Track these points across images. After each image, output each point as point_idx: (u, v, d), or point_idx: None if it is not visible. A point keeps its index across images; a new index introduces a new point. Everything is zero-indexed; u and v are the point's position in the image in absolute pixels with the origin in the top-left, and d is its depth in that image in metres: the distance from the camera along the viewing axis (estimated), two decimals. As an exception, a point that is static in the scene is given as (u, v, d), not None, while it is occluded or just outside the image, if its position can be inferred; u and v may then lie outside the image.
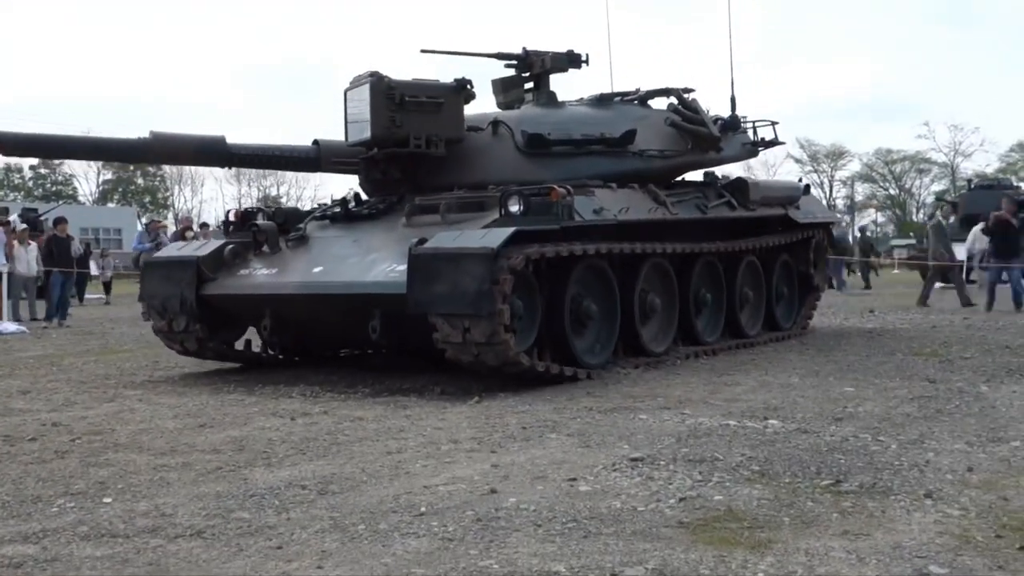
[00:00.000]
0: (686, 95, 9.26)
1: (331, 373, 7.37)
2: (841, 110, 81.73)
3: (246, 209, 8.05)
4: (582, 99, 9.02)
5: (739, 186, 9.46)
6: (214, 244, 7.78)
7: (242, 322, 7.86)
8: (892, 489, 3.56)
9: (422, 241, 6.25)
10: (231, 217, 8.09)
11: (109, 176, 62.80)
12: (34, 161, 61.30)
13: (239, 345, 8.11)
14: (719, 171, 9.77)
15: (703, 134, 9.11)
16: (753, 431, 4.74)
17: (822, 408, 5.40)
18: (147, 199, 62.60)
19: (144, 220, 33.49)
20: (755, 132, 10.45)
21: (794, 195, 10.42)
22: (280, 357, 8.23)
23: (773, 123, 10.59)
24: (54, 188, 61.66)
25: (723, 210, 8.94)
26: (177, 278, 7.45)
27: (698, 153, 9.26)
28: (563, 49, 8.70)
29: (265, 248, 7.55)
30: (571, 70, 8.77)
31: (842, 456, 4.13)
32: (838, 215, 12.05)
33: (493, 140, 7.93)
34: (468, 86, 7.72)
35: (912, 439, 4.48)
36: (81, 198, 59.07)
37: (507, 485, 3.71)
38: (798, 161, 62.70)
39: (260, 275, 7.33)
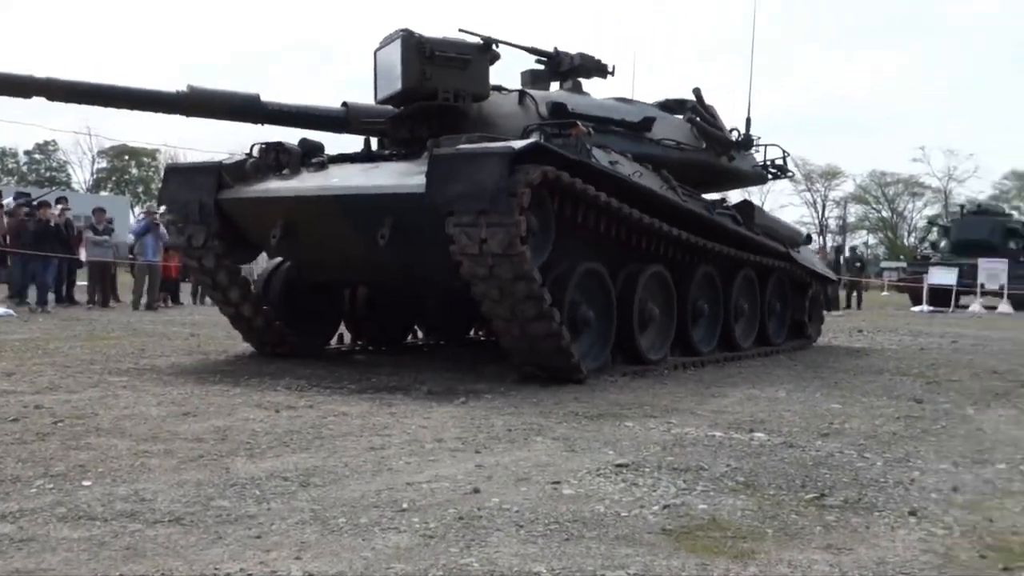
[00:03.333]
0: (706, 100, 9.66)
1: (318, 368, 7.34)
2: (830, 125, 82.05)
3: (274, 142, 7.95)
4: (605, 99, 9.25)
5: (745, 208, 9.61)
6: (239, 157, 7.86)
7: (254, 236, 7.73)
8: (877, 505, 3.55)
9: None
10: (254, 152, 7.88)
11: (104, 164, 62.63)
12: (29, 146, 61.27)
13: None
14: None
15: (718, 136, 9.57)
16: (739, 443, 4.73)
17: (808, 423, 5.39)
18: (140, 189, 62.36)
19: (141, 210, 33.34)
20: (765, 155, 10.65)
21: (796, 238, 10.57)
22: (278, 323, 8.08)
23: (785, 153, 10.72)
24: (48, 174, 61.41)
25: (727, 221, 9.00)
26: (197, 184, 7.56)
27: (712, 155, 9.58)
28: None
29: (286, 171, 7.58)
30: (595, 78, 9.18)
31: (827, 471, 4.12)
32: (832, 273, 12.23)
33: (518, 108, 8.11)
34: (494, 46, 7.89)
35: (898, 457, 4.48)
36: (75, 185, 58.82)
37: (490, 485, 3.69)
38: (792, 180, 62.91)
39: (276, 185, 7.39)
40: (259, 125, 7.90)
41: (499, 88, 8.25)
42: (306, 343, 8.41)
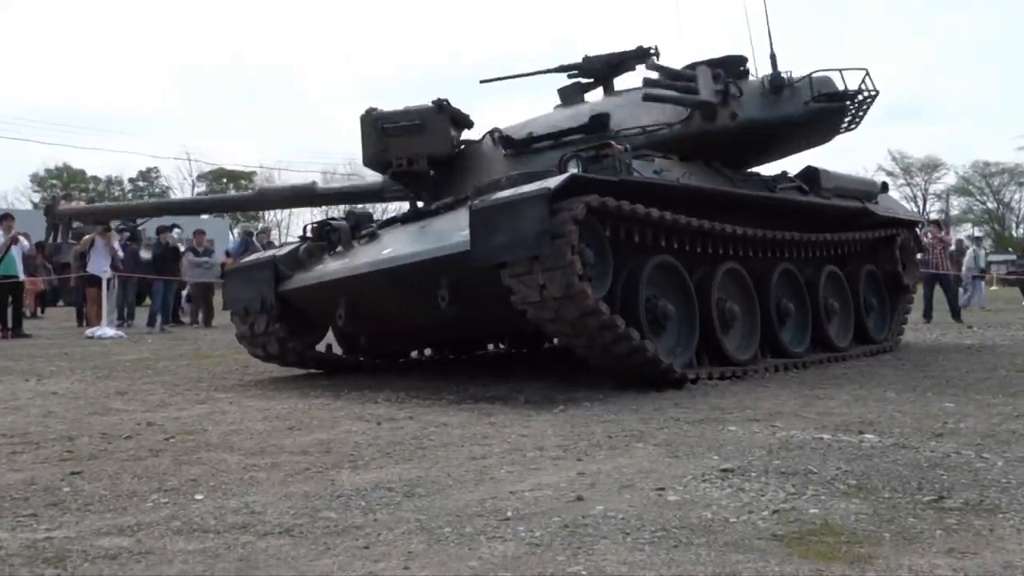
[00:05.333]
0: (653, 57, 8.40)
1: (416, 380, 7.41)
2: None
3: (322, 221, 8.31)
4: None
5: (810, 174, 9.10)
6: (290, 246, 8.01)
7: (319, 319, 7.92)
8: (1000, 507, 3.39)
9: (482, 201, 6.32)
10: (308, 232, 8.28)
11: (203, 188, 64.70)
12: (133, 173, 63.72)
13: (320, 348, 8.24)
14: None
15: (694, 101, 7.88)
16: (848, 445, 4.58)
17: (920, 423, 5.20)
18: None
19: (238, 230, 34.32)
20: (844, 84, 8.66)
21: (872, 190, 10.00)
22: (361, 359, 8.33)
23: (863, 71, 8.67)
24: (151, 200, 63.75)
25: (793, 193, 8.66)
26: (256, 279, 7.70)
27: (704, 121, 7.98)
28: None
29: (339, 248, 7.70)
30: (639, 66, 8.66)
31: (944, 472, 3.96)
32: (921, 216, 11.49)
33: (492, 149, 8.50)
34: (444, 104, 8.35)
35: (1019, 457, 4.27)
36: (176, 209, 60.87)
37: (594, 493, 3.65)
38: (890, 174, 61.20)
39: (332, 266, 7.48)
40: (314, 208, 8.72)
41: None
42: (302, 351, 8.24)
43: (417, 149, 8.18)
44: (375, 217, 8.73)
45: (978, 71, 78.99)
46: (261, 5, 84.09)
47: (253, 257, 8.45)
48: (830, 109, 8.67)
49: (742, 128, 8.10)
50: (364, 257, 7.28)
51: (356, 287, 7.15)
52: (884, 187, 10.43)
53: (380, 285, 7.02)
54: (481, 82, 8.43)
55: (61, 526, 3.28)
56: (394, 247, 7.12)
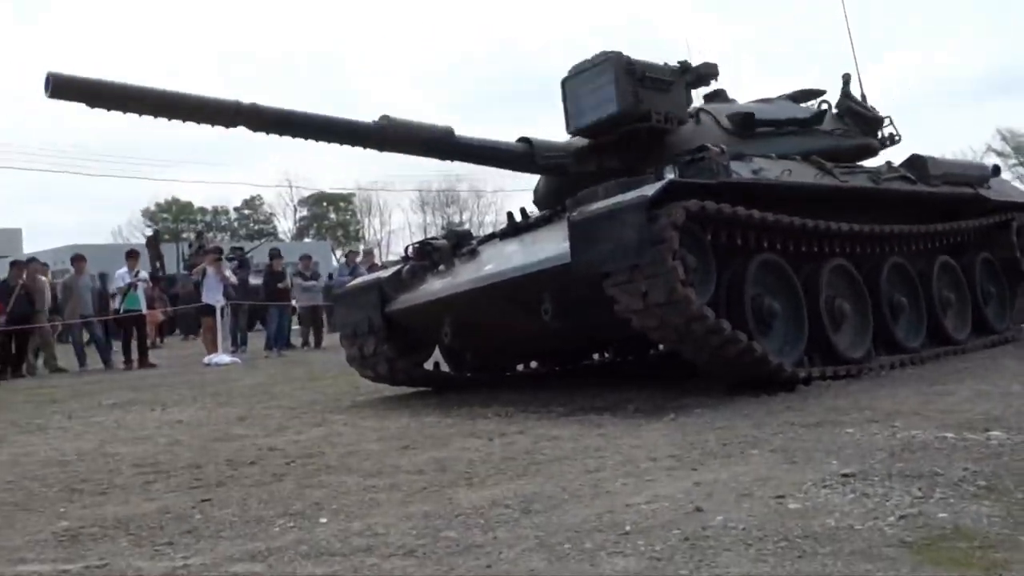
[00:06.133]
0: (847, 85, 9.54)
1: (524, 393, 7.45)
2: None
3: (422, 241, 8.41)
4: (734, 101, 9.04)
5: (916, 162, 8.90)
6: (394, 268, 8.14)
7: (426, 337, 8.04)
8: None
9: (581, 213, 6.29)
10: (409, 252, 8.39)
11: (305, 213, 66.45)
12: (238, 203, 65.88)
13: (428, 366, 8.36)
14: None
15: (868, 117, 9.56)
16: (974, 444, 4.42)
17: (1051, 418, 4.99)
18: (340, 232, 65.72)
19: (341, 253, 35.11)
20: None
21: (983, 175, 9.68)
22: (468, 375, 8.43)
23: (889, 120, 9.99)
24: (256, 227, 65.78)
25: (900, 184, 8.46)
26: (363, 303, 7.87)
27: (864, 138, 9.51)
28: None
29: (441, 267, 7.79)
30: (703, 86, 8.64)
31: (1081, 469, 3.79)
32: None
33: (696, 128, 8.02)
34: (690, 67, 7.92)
35: None
36: (281, 234, 62.70)
37: (712, 503, 3.62)
38: (1000, 154, 58.64)
39: (436, 285, 7.59)
40: (448, 161, 8.04)
41: None
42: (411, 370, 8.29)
43: (669, 108, 7.65)
44: (474, 234, 8.78)
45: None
46: (352, 35, 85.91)
47: (360, 280, 8.65)
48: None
49: (875, 147, 9.79)
50: (466, 274, 7.36)
51: (460, 304, 7.24)
52: (996, 170, 10.09)
53: (484, 301, 7.09)
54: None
55: (196, 553, 3.41)
56: (495, 263, 7.19)
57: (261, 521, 3.84)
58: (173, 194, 62.47)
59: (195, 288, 16.48)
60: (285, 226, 66.26)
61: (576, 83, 7.77)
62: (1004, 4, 74.85)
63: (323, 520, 3.78)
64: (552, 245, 6.72)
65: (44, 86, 5.90)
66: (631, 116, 7.53)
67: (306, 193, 63.51)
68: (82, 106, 6.22)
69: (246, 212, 67.09)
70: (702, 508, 3.54)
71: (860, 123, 9.45)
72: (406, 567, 3.07)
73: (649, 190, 6.09)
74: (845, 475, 3.90)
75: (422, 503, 3.96)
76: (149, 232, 36.10)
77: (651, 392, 6.91)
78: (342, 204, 66.31)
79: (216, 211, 65.14)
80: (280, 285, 16.33)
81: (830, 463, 4.19)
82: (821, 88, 9.61)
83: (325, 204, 66.19)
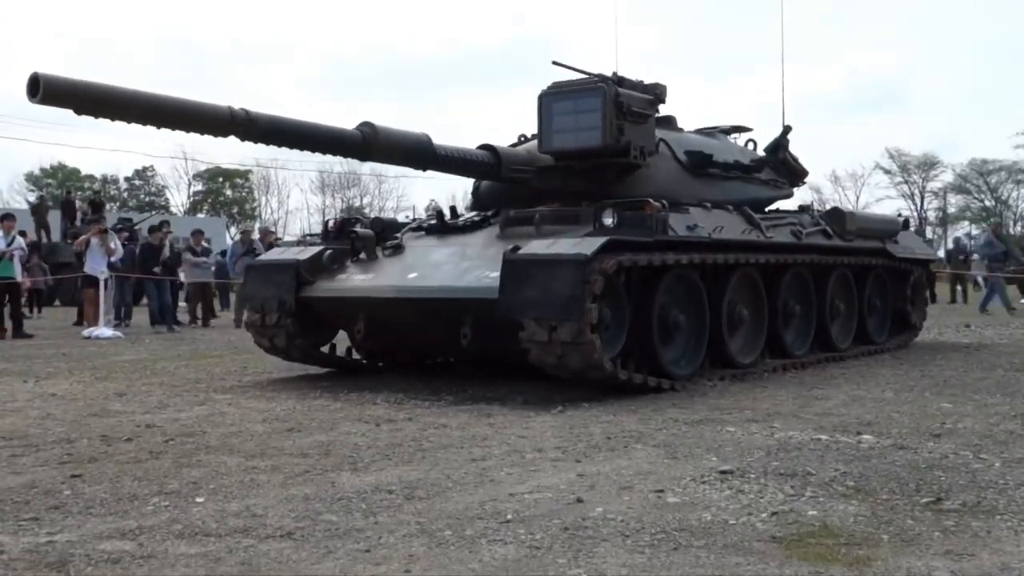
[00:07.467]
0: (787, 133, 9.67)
1: (415, 380, 7.42)
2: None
3: (344, 218, 8.22)
4: (682, 130, 8.99)
5: (835, 216, 9.37)
6: (314, 249, 7.92)
7: (336, 325, 7.95)
8: (998, 508, 3.41)
9: (516, 248, 6.27)
10: (330, 226, 8.21)
11: (200, 188, 64.61)
12: (129, 172, 63.66)
13: (325, 349, 8.22)
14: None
15: (797, 170, 9.83)
16: (846, 446, 4.60)
17: (919, 424, 5.22)
18: (235, 209, 64.13)
19: (236, 231, 34.32)
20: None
21: (892, 228, 10.29)
22: (364, 362, 8.34)
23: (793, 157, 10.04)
24: (147, 199, 63.67)
25: (818, 238, 8.83)
26: (277, 280, 7.62)
27: (790, 189, 9.86)
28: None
29: (362, 255, 7.68)
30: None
31: (942, 473, 3.98)
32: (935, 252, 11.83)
33: (659, 163, 7.96)
34: (661, 95, 7.92)
35: (1017, 458, 4.30)
36: (173, 208, 60.80)
37: (593, 495, 3.67)
38: (887, 172, 61.23)
39: (356, 279, 7.45)
40: (422, 171, 7.50)
41: None
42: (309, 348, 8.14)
43: (643, 142, 7.49)
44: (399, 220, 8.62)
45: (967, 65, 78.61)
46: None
47: (277, 256, 8.26)
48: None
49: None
50: (389, 276, 7.23)
51: (379, 307, 7.15)
52: (906, 223, 10.85)
53: (403, 311, 7.03)
54: (553, 63, 7.85)
55: (63, 530, 3.28)
56: (420, 271, 7.08)
57: (134, 499, 3.71)
58: (59, 158, 59.98)
59: (77, 258, 15.78)
60: (178, 199, 64.21)
61: (559, 104, 7.46)
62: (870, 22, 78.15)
63: (199, 500, 3.68)
64: (480, 271, 6.65)
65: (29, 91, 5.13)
66: (611, 150, 7.33)
67: (202, 167, 61.65)
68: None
69: (137, 183, 64.74)
70: (583, 499, 3.58)
71: (788, 175, 9.69)
72: (283, 549, 3.02)
73: (588, 247, 6.07)
74: (723, 472, 4.01)
75: (303, 486, 3.90)
76: (33, 198, 34.55)
77: (541, 384, 6.96)
78: (239, 180, 64.59)
79: (106, 180, 62.70)
80: (158, 262, 15.63)
81: (710, 459, 4.30)
82: (749, 126, 9.87)
83: (221, 180, 64.36)
